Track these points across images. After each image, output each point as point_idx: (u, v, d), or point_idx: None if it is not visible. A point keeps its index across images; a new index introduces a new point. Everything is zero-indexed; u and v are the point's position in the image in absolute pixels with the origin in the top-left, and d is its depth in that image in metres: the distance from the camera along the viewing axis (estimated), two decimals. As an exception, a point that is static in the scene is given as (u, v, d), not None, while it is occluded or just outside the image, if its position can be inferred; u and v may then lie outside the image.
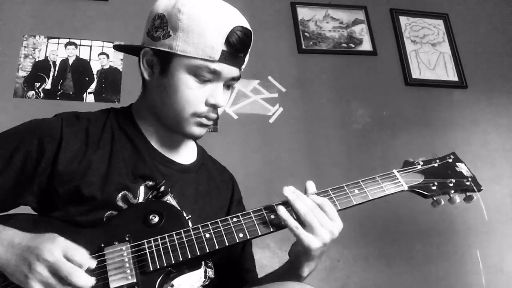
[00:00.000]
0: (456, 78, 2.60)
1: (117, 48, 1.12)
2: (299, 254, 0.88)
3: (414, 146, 2.36)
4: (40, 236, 0.75)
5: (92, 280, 0.73)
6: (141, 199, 0.90)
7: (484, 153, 2.45)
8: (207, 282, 0.96)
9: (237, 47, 0.87)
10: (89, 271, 0.74)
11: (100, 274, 0.77)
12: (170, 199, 0.93)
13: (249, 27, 0.90)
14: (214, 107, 0.91)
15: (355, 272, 2.09)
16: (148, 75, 0.94)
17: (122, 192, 0.89)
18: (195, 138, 0.97)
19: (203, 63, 0.86)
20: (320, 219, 0.83)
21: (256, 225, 0.85)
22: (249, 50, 0.93)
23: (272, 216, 0.86)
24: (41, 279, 0.70)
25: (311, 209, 0.84)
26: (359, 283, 2.08)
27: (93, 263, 0.75)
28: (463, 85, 2.59)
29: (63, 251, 0.72)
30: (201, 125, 0.92)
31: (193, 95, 0.89)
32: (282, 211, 0.84)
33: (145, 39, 0.94)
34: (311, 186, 0.90)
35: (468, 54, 2.67)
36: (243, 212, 0.87)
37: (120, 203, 0.88)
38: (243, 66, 0.94)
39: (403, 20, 2.70)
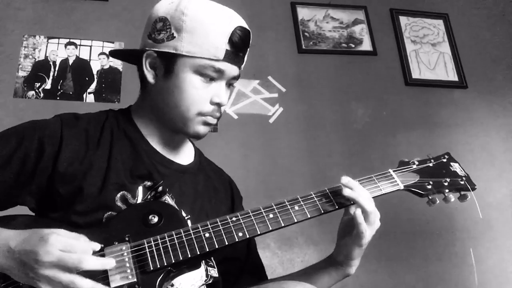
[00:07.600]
0: (456, 78, 2.60)
1: (113, 54, 1.12)
2: (351, 253, 0.97)
3: (414, 146, 2.36)
4: (33, 234, 0.73)
5: (112, 260, 0.75)
6: (139, 199, 0.91)
7: (484, 153, 2.45)
8: (209, 281, 0.96)
9: (239, 46, 0.92)
10: (89, 272, 0.72)
11: (101, 273, 0.76)
12: (168, 199, 0.93)
13: (248, 28, 0.94)
14: (219, 105, 0.94)
15: (355, 272, 2.09)
16: (152, 77, 0.94)
17: (121, 192, 0.89)
18: (199, 137, 0.98)
19: (208, 63, 0.90)
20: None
21: (255, 224, 0.85)
22: (248, 49, 0.96)
23: (271, 216, 0.86)
24: (48, 279, 0.70)
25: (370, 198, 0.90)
26: (359, 283, 2.08)
27: (97, 246, 0.76)
28: (463, 85, 2.59)
29: (60, 248, 0.70)
30: (206, 124, 0.95)
31: (199, 94, 0.91)
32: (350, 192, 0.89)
33: (146, 42, 0.95)
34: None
35: (468, 54, 2.67)
36: (242, 211, 0.87)
37: (118, 203, 0.88)
38: (243, 66, 0.98)
39: (403, 20, 2.70)
